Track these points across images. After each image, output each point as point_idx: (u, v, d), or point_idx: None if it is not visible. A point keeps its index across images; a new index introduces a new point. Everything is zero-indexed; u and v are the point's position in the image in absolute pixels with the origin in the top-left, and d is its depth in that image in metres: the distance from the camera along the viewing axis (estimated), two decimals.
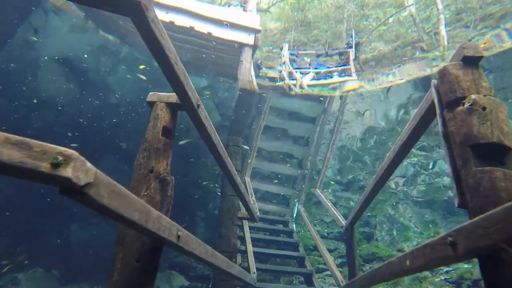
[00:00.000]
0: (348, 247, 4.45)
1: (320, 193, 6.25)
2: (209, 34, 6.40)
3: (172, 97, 2.25)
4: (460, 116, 1.45)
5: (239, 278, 3.50)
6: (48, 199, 8.26)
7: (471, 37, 9.31)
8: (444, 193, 8.18)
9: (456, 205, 1.38)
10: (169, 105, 2.24)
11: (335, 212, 5.37)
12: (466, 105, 1.45)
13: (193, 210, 9.42)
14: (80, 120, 8.29)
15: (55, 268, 6.94)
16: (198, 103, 2.20)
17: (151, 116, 2.18)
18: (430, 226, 8.20)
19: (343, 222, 4.95)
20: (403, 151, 2.59)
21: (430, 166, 8.48)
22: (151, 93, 2.31)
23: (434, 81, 1.75)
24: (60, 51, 7.78)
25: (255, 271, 4.51)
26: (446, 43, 9.71)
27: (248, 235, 5.40)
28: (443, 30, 9.32)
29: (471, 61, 1.55)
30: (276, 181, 8.93)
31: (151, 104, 2.26)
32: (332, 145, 6.64)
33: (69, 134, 8.12)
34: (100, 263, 7.58)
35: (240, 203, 4.66)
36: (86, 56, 8.13)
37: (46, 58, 7.65)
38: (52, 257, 7.11)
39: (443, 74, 1.63)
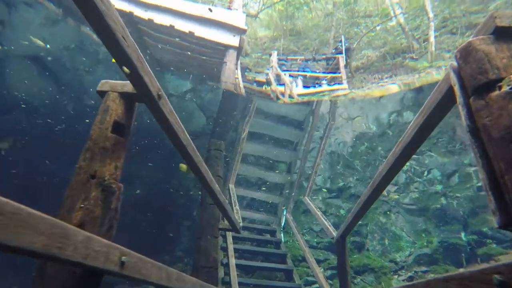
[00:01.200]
0: (340, 260, 4.05)
1: (309, 201, 5.87)
2: (191, 33, 6.00)
3: (128, 86, 1.84)
4: (497, 103, 1.07)
5: None
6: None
7: (459, 44, 9.19)
8: (437, 200, 7.88)
9: (497, 225, 0.98)
10: (124, 95, 1.82)
11: (325, 222, 4.98)
12: (505, 88, 1.07)
13: (176, 218, 8.93)
14: (58, 124, 7.76)
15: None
16: (159, 92, 1.78)
17: (100, 109, 1.76)
18: (423, 235, 7.88)
19: (333, 233, 4.56)
20: (405, 154, 2.21)
21: (425, 174, 8.20)
22: (102, 81, 1.88)
23: (452, 64, 1.37)
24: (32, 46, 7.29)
25: None
26: (433, 49, 9.56)
27: (231, 247, 4.97)
28: (432, 37, 9.17)
29: (506, 33, 1.18)
30: (264, 188, 8.52)
31: (102, 94, 1.84)
32: (322, 151, 6.28)
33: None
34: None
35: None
36: (61, 52, 7.64)
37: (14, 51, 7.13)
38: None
39: (467, 52, 1.25)
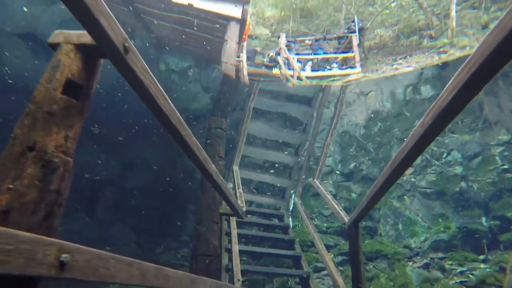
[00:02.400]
0: (352, 248, 3.68)
1: (319, 184, 5.48)
2: (190, 5, 5.53)
3: (87, 36, 1.44)
4: None
5: None
6: None
7: (485, 21, 8.49)
8: (457, 183, 7.39)
9: None
10: (81, 48, 1.42)
11: (336, 206, 4.59)
12: None
13: (182, 203, 8.69)
14: None
15: None
16: (126, 44, 1.38)
17: (49, 65, 1.37)
18: (440, 220, 7.45)
19: (345, 218, 4.18)
20: (438, 125, 1.76)
21: (444, 156, 7.69)
22: (56, 31, 1.49)
23: None
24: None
25: (240, 278, 3.75)
26: (454, 25, 8.86)
27: (234, 233, 4.64)
28: (453, 11, 8.48)
29: None
30: (272, 170, 8.16)
31: (55, 47, 1.45)
32: (333, 130, 5.83)
33: None
34: None
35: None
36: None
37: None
38: None
39: None
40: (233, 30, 5.53)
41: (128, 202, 8.35)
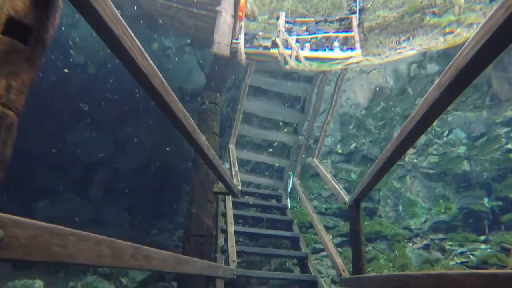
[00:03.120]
0: (353, 228, 3.50)
1: (318, 164, 5.27)
2: None
3: None
4: None
5: (208, 276, 2.57)
6: (11, 174, 7.29)
7: None
8: (459, 163, 7.20)
9: None
10: None
11: (336, 186, 4.39)
12: None
13: (177, 183, 8.49)
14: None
15: None
16: None
17: None
18: (441, 201, 7.29)
19: (345, 198, 3.99)
20: (456, 86, 1.49)
21: (446, 134, 7.46)
22: None
23: None
24: None
25: (235, 259, 3.58)
26: (463, 0, 8.47)
27: (230, 214, 4.46)
28: None
29: None
30: (270, 149, 7.93)
31: None
32: (333, 107, 5.57)
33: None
34: None
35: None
36: None
37: None
38: None
39: None
40: (227, 1, 5.17)
41: (122, 183, 8.15)
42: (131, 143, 8.18)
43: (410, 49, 7.81)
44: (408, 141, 2.12)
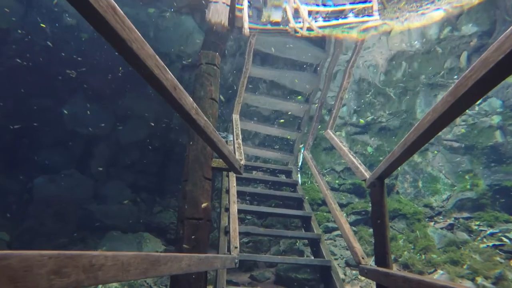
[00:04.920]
0: (376, 210, 2.95)
1: (333, 135, 4.66)
2: None
3: None
4: None
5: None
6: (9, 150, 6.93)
7: None
8: (491, 135, 6.49)
9: None
10: None
11: (354, 160, 3.82)
12: None
13: (181, 158, 8.03)
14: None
15: (4, 230, 5.70)
16: None
17: None
18: (466, 177, 6.65)
19: (366, 174, 3.42)
20: None
21: (478, 102, 6.69)
22: None
23: None
24: None
25: (237, 244, 3.09)
26: None
27: (233, 191, 3.95)
28: None
29: None
30: (282, 120, 7.32)
31: None
32: (350, 68, 4.87)
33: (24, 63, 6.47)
34: (63, 224, 6.38)
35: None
36: None
37: None
38: (2, 218, 5.87)
39: None
40: None
41: (124, 158, 7.73)
42: (132, 116, 7.68)
43: (435, 9, 6.90)
44: (462, 103, 1.54)
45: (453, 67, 7.07)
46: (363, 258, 3.22)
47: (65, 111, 6.98)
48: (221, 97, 7.26)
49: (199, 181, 3.02)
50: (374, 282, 4.65)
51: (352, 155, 3.99)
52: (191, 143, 3.16)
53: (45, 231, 5.91)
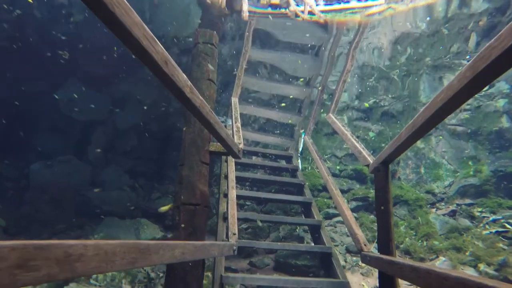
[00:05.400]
0: (379, 196, 2.84)
1: (335, 119, 4.52)
2: None
3: None
4: None
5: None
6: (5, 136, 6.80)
7: None
8: (496, 120, 6.34)
9: None
10: None
11: (357, 145, 3.69)
12: None
13: (177, 145, 7.90)
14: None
15: (0, 216, 5.62)
16: None
17: None
18: (470, 163, 6.54)
19: (369, 159, 3.30)
20: None
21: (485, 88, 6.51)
22: None
23: None
24: None
25: (236, 231, 2.99)
26: None
27: (232, 176, 3.83)
28: None
29: None
30: (283, 104, 7.15)
31: None
32: (353, 50, 4.69)
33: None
34: (60, 210, 6.30)
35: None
36: None
37: None
38: None
39: None
40: None
41: (122, 143, 7.61)
42: (129, 100, 7.52)
43: None
44: (487, 75, 1.40)
45: (460, 51, 6.86)
46: (365, 245, 3.13)
47: (57, 96, 6.82)
48: (220, 82, 7.09)
49: (196, 165, 2.90)
50: (375, 269, 4.61)
51: (355, 139, 3.86)
52: (187, 126, 3.03)
53: (41, 218, 5.84)
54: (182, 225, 2.64)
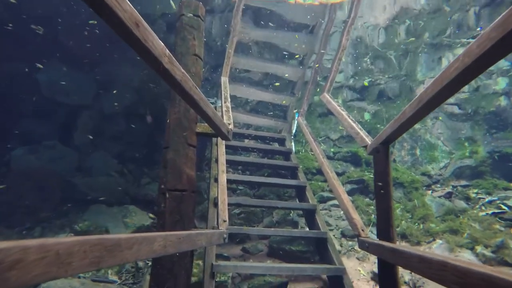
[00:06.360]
0: (379, 179, 2.67)
1: (330, 99, 4.30)
2: None
3: None
4: None
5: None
6: None
7: None
8: (493, 100, 6.19)
9: None
10: None
11: (354, 125, 3.50)
12: None
13: None
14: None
15: None
16: None
17: None
18: (466, 144, 6.43)
19: (367, 140, 3.12)
20: None
21: None
22: None
23: None
24: None
25: (226, 218, 2.80)
26: None
27: (222, 160, 3.62)
28: None
29: None
30: (277, 83, 6.88)
31: None
32: (349, 26, 4.42)
33: None
34: (45, 198, 6.06)
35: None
36: None
37: None
38: None
39: None
40: None
41: (109, 128, 7.32)
42: (115, 82, 7.18)
43: None
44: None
45: (461, 29, 6.62)
46: (362, 230, 2.98)
47: (38, 78, 6.46)
48: (210, 64, 6.78)
49: (182, 148, 2.68)
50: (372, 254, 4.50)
51: (352, 120, 3.67)
52: (171, 105, 2.79)
53: (25, 204, 5.60)
54: (168, 219, 2.45)
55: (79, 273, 1.00)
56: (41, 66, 5.82)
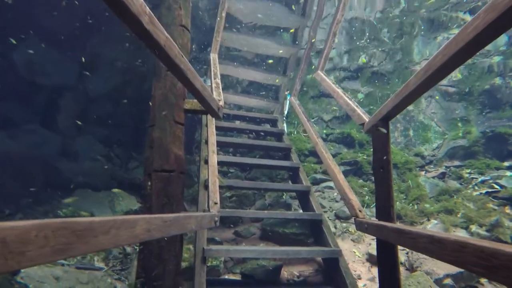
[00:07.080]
0: (378, 157, 2.55)
1: (325, 76, 4.12)
2: None
3: None
4: None
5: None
6: None
7: None
8: (488, 79, 6.09)
9: None
10: None
11: (350, 102, 3.34)
12: None
13: None
14: None
15: None
16: None
17: None
18: (459, 124, 6.36)
19: (364, 117, 2.97)
20: None
21: None
22: None
23: None
24: None
25: (217, 200, 2.64)
26: None
27: (212, 140, 3.44)
28: None
29: None
30: (270, 61, 6.64)
31: None
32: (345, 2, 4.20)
33: None
34: (26, 184, 5.80)
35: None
36: None
37: None
38: None
39: None
40: None
41: (94, 110, 7.00)
42: (100, 62, 6.83)
43: None
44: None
45: (458, 2, 6.44)
46: (360, 211, 2.86)
47: (14, 57, 6.08)
48: (197, 42, 6.49)
49: (169, 126, 2.49)
50: (366, 235, 4.43)
51: (348, 97, 3.50)
52: (157, 79, 2.57)
53: (5, 191, 5.35)
54: (155, 202, 2.27)
55: (39, 263, 0.83)
56: (14, 42, 5.45)
